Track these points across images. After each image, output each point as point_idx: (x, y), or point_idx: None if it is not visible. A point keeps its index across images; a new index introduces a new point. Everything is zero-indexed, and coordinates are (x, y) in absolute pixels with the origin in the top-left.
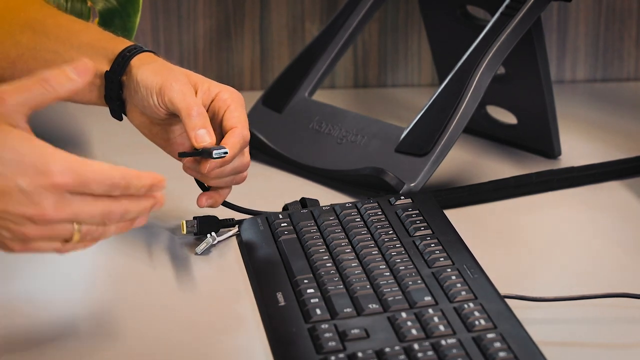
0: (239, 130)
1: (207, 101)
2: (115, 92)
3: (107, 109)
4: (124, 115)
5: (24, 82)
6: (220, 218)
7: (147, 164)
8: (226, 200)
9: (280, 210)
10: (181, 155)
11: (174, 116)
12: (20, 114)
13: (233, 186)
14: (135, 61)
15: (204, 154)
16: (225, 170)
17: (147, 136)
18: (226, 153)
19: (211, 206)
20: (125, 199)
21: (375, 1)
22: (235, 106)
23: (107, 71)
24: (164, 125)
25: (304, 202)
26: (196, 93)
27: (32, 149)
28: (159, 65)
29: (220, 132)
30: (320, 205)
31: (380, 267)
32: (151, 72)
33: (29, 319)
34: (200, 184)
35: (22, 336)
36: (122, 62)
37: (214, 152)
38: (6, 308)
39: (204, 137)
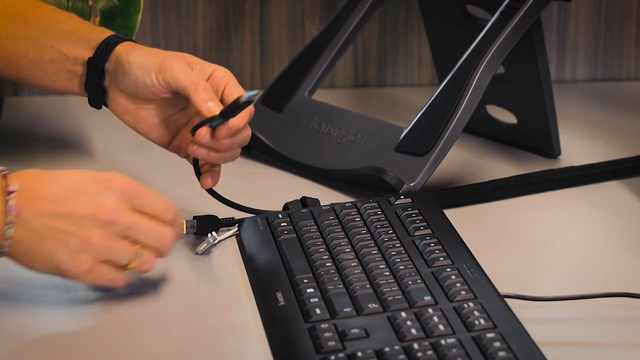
0: None
1: (204, 79)
2: (97, 78)
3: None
4: (104, 106)
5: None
6: (220, 217)
7: (147, 163)
8: (229, 199)
9: (281, 209)
10: (195, 128)
11: (170, 95)
12: None
13: (233, 185)
14: (121, 48)
15: (229, 109)
16: (236, 140)
17: (129, 123)
18: (256, 94)
19: (214, 184)
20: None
21: (375, 1)
22: (234, 82)
23: (90, 57)
24: (149, 110)
25: (304, 201)
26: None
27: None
28: (150, 49)
29: None
30: (320, 204)
31: (380, 266)
32: (145, 54)
33: (26, 318)
34: (196, 168)
35: (19, 333)
36: (106, 49)
37: (247, 94)
38: (6, 305)
39: (215, 108)
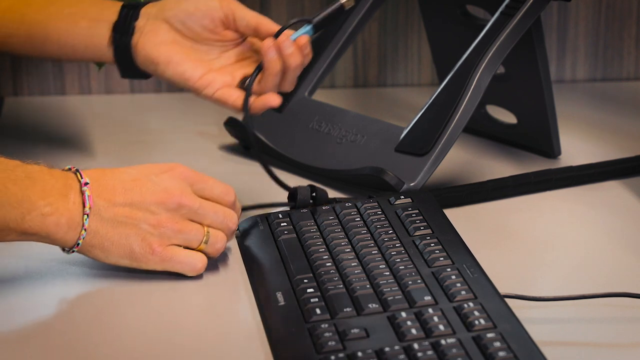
0: None
1: None
2: (131, 18)
3: (110, 106)
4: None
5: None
6: None
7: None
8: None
9: (282, 207)
10: (279, 33)
11: (219, 27)
12: None
13: (233, 185)
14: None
15: (327, 14)
16: (298, 69)
17: (162, 54)
18: None
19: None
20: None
21: (375, 1)
22: None
23: (124, 4)
24: (186, 48)
25: (313, 188)
26: None
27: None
28: None
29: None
30: (328, 197)
31: (380, 266)
32: None
33: (25, 319)
34: (250, 84)
35: (18, 334)
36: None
37: None
38: (4, 304)
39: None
